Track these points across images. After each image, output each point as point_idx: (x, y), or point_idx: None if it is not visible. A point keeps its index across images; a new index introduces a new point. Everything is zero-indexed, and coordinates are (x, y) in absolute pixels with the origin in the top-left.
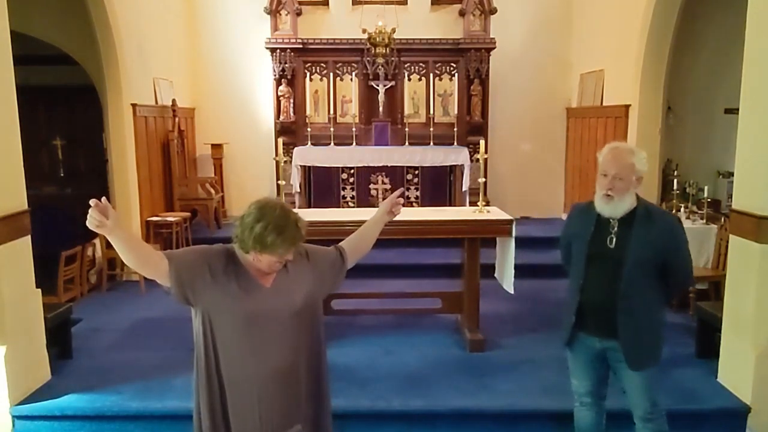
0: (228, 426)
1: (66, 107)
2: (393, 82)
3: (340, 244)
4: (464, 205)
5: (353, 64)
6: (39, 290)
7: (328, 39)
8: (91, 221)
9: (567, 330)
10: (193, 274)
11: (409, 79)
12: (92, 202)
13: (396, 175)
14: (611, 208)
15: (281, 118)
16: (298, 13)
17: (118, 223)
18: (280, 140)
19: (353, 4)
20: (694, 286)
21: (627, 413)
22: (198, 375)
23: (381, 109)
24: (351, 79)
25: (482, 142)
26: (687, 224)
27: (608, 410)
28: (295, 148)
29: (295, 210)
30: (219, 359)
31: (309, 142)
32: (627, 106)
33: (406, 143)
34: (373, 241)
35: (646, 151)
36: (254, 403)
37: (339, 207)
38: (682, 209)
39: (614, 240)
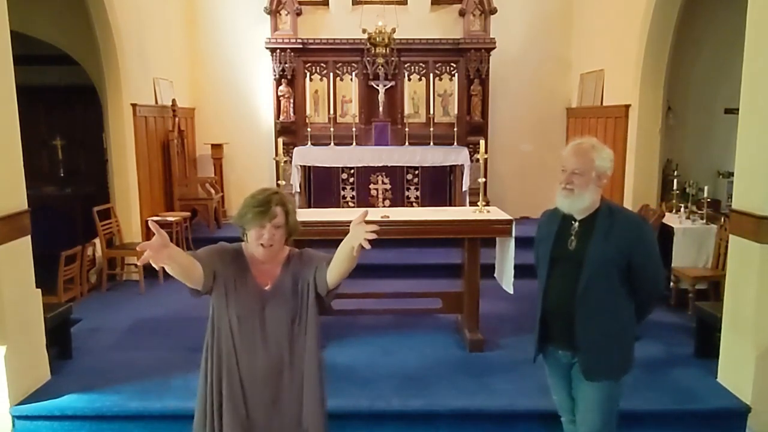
0: (220, 423)
1: (66, 107)
2: (393, 82)
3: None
4: (464, 205)
5: (353, 64)
6: (39, 290)
7: (328, 39)
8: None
9: (534, 343)
10: (216, 261)
11: (409, 79)
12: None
13: (396, 175)
14: (570, 202)
15: (281, 118)
16: (298, 13)
17: (172, 251)
18: (280, 140)
19: (353, 4)
20: (661, 298)
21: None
22: (200, 373)
23: (381, 109)
24: (351, 79)
25: (482, 142)
26: (687, 224)
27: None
28: (295, 148)
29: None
30: (220, 355)
31: (309, 142)
32: (627, 106)
33: (406, 143)
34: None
35: (645, 152)
36: (244, 402)
37: (339, 207)
38: (682, 209)
39: (574, 241)
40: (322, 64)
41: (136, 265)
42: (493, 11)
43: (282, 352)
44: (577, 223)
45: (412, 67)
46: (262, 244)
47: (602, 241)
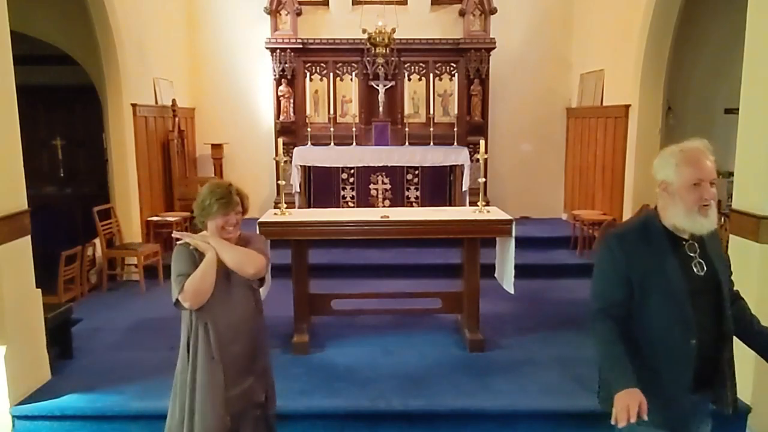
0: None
1: (66, 107)
2: (393, 82)
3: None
4: (464, 205)
5: (353, 64)
6: (39, 290)
7: (328, 39)
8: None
9: (679, 410)
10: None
11: (409, 79)
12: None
13: (396, 175)
14: (710, 221)
15: (281, 118)
16: (298, 13)
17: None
18: (280, 140)
19: (353, 4)
20: None
21: None
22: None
23: (381, 109)
24: (351, 79)
25: (482, 142)
26: None
27: None
28: (295, 148)
29: (295, 209)
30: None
31: (309, 142)
32: (627, 106)
33: (406, 143)
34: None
35: (645, 152)
36: (219, 357)
37: (339, 207)
38: None
39: (703, 266)
40: (322, 64)
41: (136, 265)
42: (493, 11)
43: (246, 309)
44: (694, 243)
45: (412, 67)
46: (224, 228)
47: (721, 259)
